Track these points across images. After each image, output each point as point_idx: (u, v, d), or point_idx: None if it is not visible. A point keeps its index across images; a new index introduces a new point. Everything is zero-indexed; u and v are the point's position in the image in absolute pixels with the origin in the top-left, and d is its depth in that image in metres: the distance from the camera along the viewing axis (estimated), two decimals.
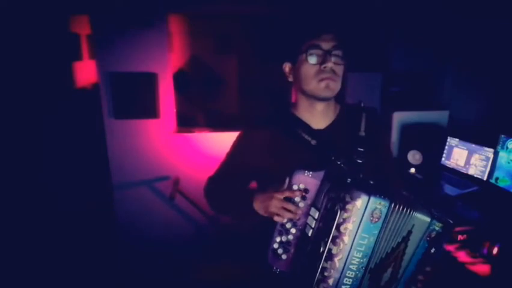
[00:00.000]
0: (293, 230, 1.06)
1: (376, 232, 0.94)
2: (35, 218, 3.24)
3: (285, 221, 1.07)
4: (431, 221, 1.01)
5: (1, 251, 2.79)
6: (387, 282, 1.02)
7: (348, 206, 0.92)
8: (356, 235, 0.93)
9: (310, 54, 1.12)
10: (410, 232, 1.01)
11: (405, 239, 1.00)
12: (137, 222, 3.04)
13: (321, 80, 1.12)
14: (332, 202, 0.97)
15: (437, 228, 1.01)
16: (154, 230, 3.07)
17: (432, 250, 1.03)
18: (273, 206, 1.06)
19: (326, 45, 1.11)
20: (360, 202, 0.91)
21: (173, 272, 2.90)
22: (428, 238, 1.02)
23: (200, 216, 3.02)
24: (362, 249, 0.94)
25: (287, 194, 1.04)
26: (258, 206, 1.12)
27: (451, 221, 1.03)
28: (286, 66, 1.22)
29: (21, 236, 3.02)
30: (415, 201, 1.01)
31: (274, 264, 1.09)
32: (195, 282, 2.73)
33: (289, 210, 1.04)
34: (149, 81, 2.79)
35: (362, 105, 1.20)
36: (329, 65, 1.11)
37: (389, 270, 1.01)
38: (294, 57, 1.17)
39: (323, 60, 1.11)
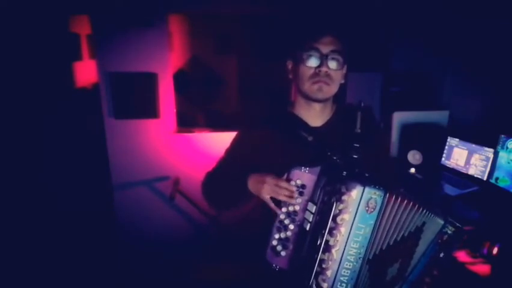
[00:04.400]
0: (291, 226, 1.08)
1: (372, 222, 0.96)
2: (35, 218, 3.24)
3: (282, 216, 1.08)
4: (444, 223, 1.03)
5: (1, 251, 2.79)
6: (394, 278, 1.03)
7: (344, 197, 0.94)
8: (352, 225, 0.94)
9: (309, 56, 1.15)
10: (419, 229, 1.02)
11: (414, 236, 1.02)
12: (137, 222, 3.03)
13: (315, 82, 1.15)
14: (328, 195, 0.99)
15: (449, 232, 1.04)
16: (154, 230, 3.07)
17: (442, 254, 1.05)
18: (265, 189, 1.09)
19: (325, 49, 1.13)
20: (355, 192, 0.93)
21: (173, 272, 2.90)
22: (439, 240, 1.04)
23: (200, 216, 3.01)
24: (359, 239, 0.95)
25: (281, 182, 1.07)
26: (252, 186, 1.15)
27: (461, 226, 1.05)
28: (289, 64, 1.25)
29: (22, 236, 3.02)
30: (427, 200, 1.02)
31: (273, 262, 1.10)
32: (194, 282, 2.73)
33: (281, 195, 1.06)
34: (149, 81, 2.79)
35: (362, 105, 1.21)
36: (324, 69, 1.13)
37: (396, 265, 1.03)
38: (295, 56, 1.19)
39: (319, 64, 1.14)
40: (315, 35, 1.15)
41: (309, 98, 1.20)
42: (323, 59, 1.13)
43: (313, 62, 1.14)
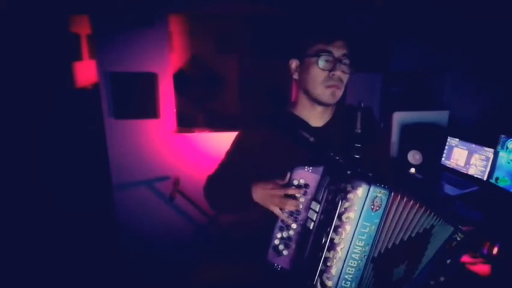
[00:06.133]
0: (294, 226, 1.08)
1: (377, 220, 0.96)
2: (35, 218, 3.24)
3: (285, 216, 1.08)
4: (455, 230, 1.05)
5: (1, 251, 2.79)
6: (400, 280, 1.04)
7: (350, 196, 0.94)
8: (357, 224, 0.94)
9: (322, 59, 1.13)
10: (428, 232, 1.03)
11: (422, 238, 1.02)
12: (137, 222, 3.03)
13: (328, 87, 1.14)
14: (333, 194, 0.99)
15: (458, 239, 1.06)
16: (154, 230, 3.07)
17: (449, 260, 1.06)
18: (273, 202, 1.09)
19: (337, 53, 1.13)
20: (361, 191, 0.94)
21: (173, 271, 2.90)
22: (447, 246, 1.05)
23: (200, 216, 3.01)
24: (364, 237, 0.95)
25: (288, 191, 1.06)
26: (257, 198, 1.14)
27: (462, 230, 1.07)
28: (293, 63, 1.23)
29: (21, 236, 3.02)
30: (433, 202, 1.03)
31: (275, 261, 1.10)
32: (195, 282, 2.73)
33: (290, 205, 1.06)
34: (149, 81, 2.79)
35: (362, 105, 1.21)
36: (338, 73, 1.13)
37: (402, 267, 1.03)
38: (303, 56, 1.18)
39: (332, 67, 1.13)
40: (328, 37, 1.14)
41: (319, 102, 1.19)
42: (336, 62, 1.13)
43: (326, 65, 1.13)
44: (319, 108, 1.22)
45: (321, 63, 1.13)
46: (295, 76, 1.23)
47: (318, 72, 1.14)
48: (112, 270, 2.88)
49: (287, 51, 1.26)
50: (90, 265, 2.88)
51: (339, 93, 1.17)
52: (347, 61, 1.15)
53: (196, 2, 2.82)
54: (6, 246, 2.86)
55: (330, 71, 1.13)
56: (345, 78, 1.16)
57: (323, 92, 1.16)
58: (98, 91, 2.79)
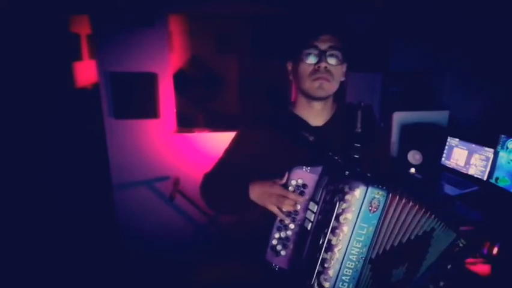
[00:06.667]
0: (292, 226, 1.07)
1: (375, 222, 0.95)
2: (35, 218, 3.24)
3: (283, 215, 1.08)
4: (457, 236, 1.05)
5: (1, 251, 2.79)
6: (400, 282, 1.03)
7: (347, 197, 0.94)
8: (355, 225, 0.94)
9: (307, 54, 1.15)
10: (428, 235, 1.02)
11: (422, 240, 1.02)
12: (137, 222, 3.03)
13: (315, 79, 1.14)
14: (330, 194, 0.98)
15: (461, 245, 1.06)
16: (154, 230, 3.07)
17: (450, 265, 1.07)
18: (271, 201, 1.08)
19: (323, 46, 1.13)
20: (358, 192, 0.93)
21: (173, 271, 2.90)
22: (450, 252, 1.05)
23: (200, 216, 3.01)
24: (362, 239, 0.95)
25: (286, 193, 1.06)
26: (255, 197, 1.13)
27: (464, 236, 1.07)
28: (289, 65, 1.25)
29: (21, 236, 3.02)
30: (433, 204, 1.02)
31: (273, 261, 1.09)
32: (194, 282, 2.73)
33: (287, 205, 1.06)
34: (149, 81, 2.79)
35: (362, 104, 1.21)
36: (323, 64, 1.13)
37: (402, 268, 1.03)
38: (294, 56, 1.19)
39: (318, 60, 1.13)
40: (313, 33, 1.15)
41: (311, 97, 1.19)
42: (322, 55, 1.13)
43: (312, 59, 1.14)
44: (316, 106, 1.22)
45: (306, 57, 1.15)
46: (292, 77, 1.25)
47: (305, 67, 1.15)
48: (112, 270, 2.88)
49: (284, 53, 1.27)
50: (90, 265, 2.88)
51: (329, 85, 1.16)
52: (334, 52, 1.14)
53: (196, 2, 2.82)
54: (7, 246, 2.86)
55: (316, 63, 1.14)
56: (335, 70, 1.15)
57: (310, 85, 1.16)
58: (98, 91, 2.79)
